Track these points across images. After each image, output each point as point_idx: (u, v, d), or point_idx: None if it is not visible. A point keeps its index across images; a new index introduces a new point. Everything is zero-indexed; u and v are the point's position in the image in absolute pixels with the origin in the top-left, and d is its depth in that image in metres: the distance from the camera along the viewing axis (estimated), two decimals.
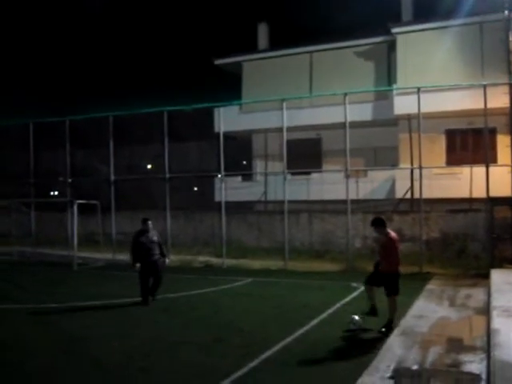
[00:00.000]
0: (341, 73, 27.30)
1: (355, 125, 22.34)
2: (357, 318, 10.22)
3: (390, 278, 10.17)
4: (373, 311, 10.53)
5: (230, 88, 32.28)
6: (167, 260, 14.33)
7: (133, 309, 12.86)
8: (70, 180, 26.39)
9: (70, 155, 26.32)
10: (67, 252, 23.41)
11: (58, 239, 27.51)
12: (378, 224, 10.39)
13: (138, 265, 13.21)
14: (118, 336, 9.96)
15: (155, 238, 13.51)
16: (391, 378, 7.41)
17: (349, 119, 20.68)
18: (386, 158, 26.50)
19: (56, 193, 40.68)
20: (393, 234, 10.38)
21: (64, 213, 25.99)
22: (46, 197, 34.03)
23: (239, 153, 32.09)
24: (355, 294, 14.72)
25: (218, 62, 31.99)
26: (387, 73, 27.73)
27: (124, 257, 24.00)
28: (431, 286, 16.17)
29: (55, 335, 10.13)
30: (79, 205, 22.31)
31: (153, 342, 9.57)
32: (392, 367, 7.88)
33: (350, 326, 10.10)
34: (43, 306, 13.17)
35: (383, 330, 9.91)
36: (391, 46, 26.98)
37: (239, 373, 7.64)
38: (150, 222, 13.63)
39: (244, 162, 33.87)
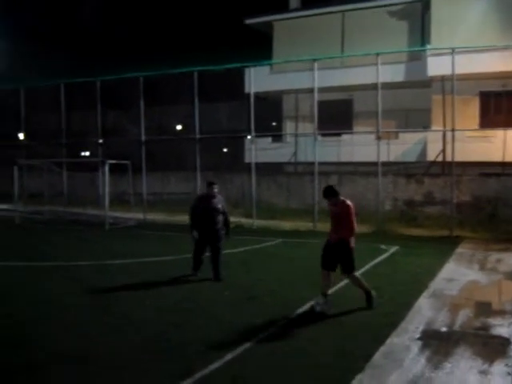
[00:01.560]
0: (373, 33, 26.84)
1: (387, 86, 22.06)
2: (322, 300, 8.93)
3: (343, 248, 8.99)
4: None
5: (260, 48, 32.01)
6: (227, 236, 11.75)
7: (164, 267, 13.01)
8: (101, 140, 26.59)
9: (101, 116, 26.48)
10: (98, 212, 23.72)
11: (90, 199, 27.87)
12: (331, 194, 9.17)
13: (195, 233, 11.42)
14: (149, 294, 10.12)
15: (219, 206, 11.41)
16: (420, 339, 7.45)
17: (381, 80, 20.40)
18: (417, 120, 26.15)
19: (87, 153, 41.08)
20: (348, 201, 9.18)
21: (95, 173, 26.27)
22: (77, 157, 34.36)
23: (269, 114, 31.95)
24: (385, 255, 14.74)
25: (248, 21, 31.68)
26: (421, 33, 27.22)
27: (154, 216, 24.33)
28: (461, 249, 16.10)
29: (88, 292, 10.31)
30: (110, 165, 22.49)
31: (185, 300, 9.70)
32: (421, 329, 7.91)
33: (316, 309, 8.81)
34: (76, 264, 13.40)
35: (369, 305, 9.08)
36: (426, 5, 26.39)
37: (267, 332, 7.74)
38: (215, 186, 11.53)
39: (274, 123, 33.74)
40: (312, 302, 9.05)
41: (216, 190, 11.52)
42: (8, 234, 20.22)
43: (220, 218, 11.38)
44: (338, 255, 9.01)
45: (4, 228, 21.78)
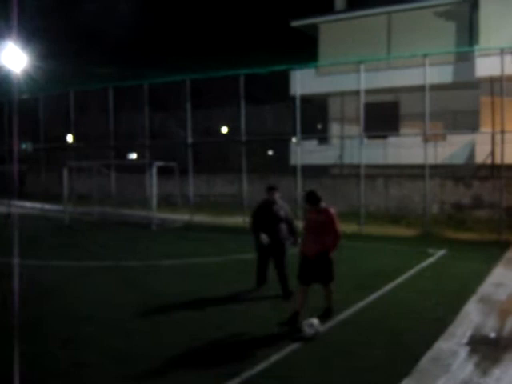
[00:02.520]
0: (420, 34, 26.54)
1: (434, 87, 21.79)
2: (316, 320, 7.78)
3: (325, 259, 8.37)
4: (293, 318, 8.21)
5: (306, 50, 31.97)
6: (296, 242, 10.03)
7: (210, 268, 13.14)
8: (148, 143, 26.96)
9: (149, 118, 26.85)
10: (146, 213, 24.03)
11: (137, 200, 28.27)
12: (314, 201, 8.51)
13: (263, 235, 9.93)
14: (194, 294, 10.25)
15: (281, 213, 10.20)
16: (468, 344, 7.38)
17: (428, 81, 20.19)
18: (465, 121, 25.76)
19: (134, 155, 41.65)
20: (331, 208, 8.52)
21: (143, 175, 26.65)
22: (124, 159, 34.89)
23: (315, 116, 31.91)
24: (431, 259, 14.56)
25: (294, 23, 31.66)
26: (469, 33, 26.80)
27: (200, 218, 24.54)
28: (511, 254, 15.81)
29: (136, 291, 10.50)
30: (158, 167, 22.79)
31: (231, 300, 9.82)
32: (469, 334, 7.84)
33: (306, 331, 7.64)
34: (125, 264, 13.63)
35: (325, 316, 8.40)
36: (473, 5, 25.98)
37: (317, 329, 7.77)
38: (276, 191, 10.34)
39: (319, 126, 33.66)
40: (356, 306, 9.04)
41: (277, 196, 10.33)
42: (58, 234, 20.65)
43: (283, 226, 10.12)
44: (319, 268, 8.35)
45: (54, 228, 22.25)
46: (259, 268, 10.44)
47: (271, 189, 10.36)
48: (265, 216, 10.14)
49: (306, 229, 8.57)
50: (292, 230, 10.22)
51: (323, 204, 8.49)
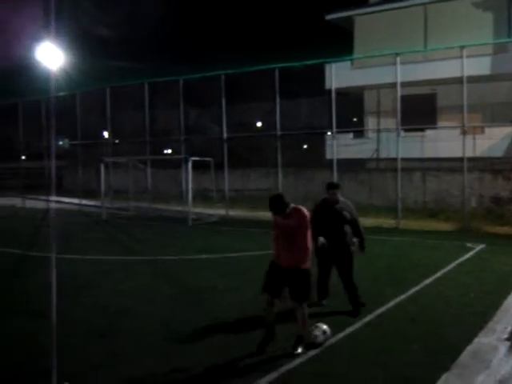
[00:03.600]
0: (457, 25, 26.14)
1: (472, 79, 21.44)
2: (325, 326, 7.23)
3: (301, 274, 6.97)
4: (270, 335, 7.05)
5: (341, 43, 31.76)
6: (361, 250, 8.99)
7: (246, 262, 13.14)
8: (183, 138, 27.09)
9: (184, 114, 26.97)
10: (182, 207, 24.17)
11: (173, 195, 28.47)
12: (279, 205, 7.07)
13: (321, 239, 8.42)
14: (232, 288, 10.26)
15: (346, 214, 8.82)
16: (508, 339, 7.26)
17: (466, 73, 19.89)
18: (504, 113, 25.32)
19: (169, 151, 41.90)
20: (304, 208, 7.17)
21: (178, 170, 26.79)
22: (160, 154, 35.11)
23: (350, 109, 31.67)
24: (470, 254, 14.37)
25: (328, 17, 31.49)
26: (507, 24, 26.33)
27: (236, 212, 24.58)
28: None
29: (174, 286, 10.56)
30: (193, 162, 22.90)
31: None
32: (509, 329, 7.71)
33: (318, 338, 7.11)
34: (161, 258, 13.73)
35: (299, 351, 6.80)
36: None
37: (352, 328, 7.73)
38: (337, 190, 8.92)
39: (355, 119, 33.42)
40: (395, 300, 8.95)
41: (339, 195, 8.91)
42: (95, 229, 20.90)
43: (347, 229, 8.81)
44: (291, 283, 7.00)
45: (92, 223, 22.53)
46: (320, 278, 8.95)
47: (332, 187, 8.97)
48: (324, 218, 8.70)
49: (276, 237, 7.26)
50: (358, 233, 8.91)
51: (292, 205, 7.10)
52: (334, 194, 8.83)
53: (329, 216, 8.73)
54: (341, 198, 8.93)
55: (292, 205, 7.10)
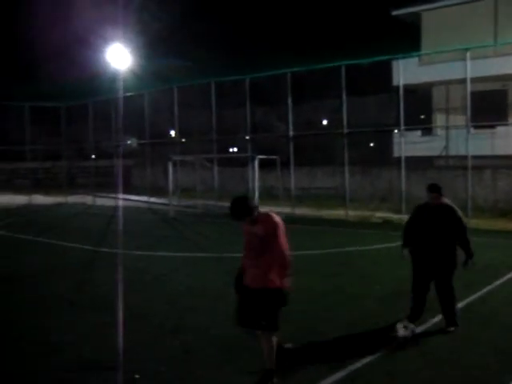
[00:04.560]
0: None
1: None
2: (411, 325, 7.24)
3: (268, 296, 5.79)
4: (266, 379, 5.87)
5: (408, 39, 31.32)
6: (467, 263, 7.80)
7: (312, 261, 13.13)
8: (249, 136, 27.23)
9: (250, 112, 27.12)
10: None
11: (239, 193, 28.62)
12: (241, 210, 5.98)
13: (405, 251, 8.03)
14: (297, 286, 10.20)
15: (447, 221, 7.69)
16: None
17: None
18: None
19: (235, 149, 42.22)
20: (275, 215, 6.02)
21: (245, 168, 26.96)
22: (227, 153, 35.46)
23: (418, 106, 31.17)
24: None
25: (395, 12, 31.05)
26: None
27: (302, 210, 24.56)
28: None
29: None
30: (259, 160, 22.99)
31: (334, 293, 9.81)
32: None
33: (400, 332, 7.12)
34: (229, 255, 13.83)
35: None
36: None
37: (422, 327, 7.62)
38: (438, 195, 7.81)
39: (422, 116, 32.89)
40: (465, 301, 8.77)
41: (441, 197, 7.83)
42: (163, 226, 21.25)
43: (446, 236, 7.68)
44: (256, 304, 5.85)
45: (160, 221, 22.93)
46: (414, 293, 7.97)
47: (433, 188, 7.89)
48: (423, 224, 7.85)
49: (244, 248, 6.15)
50: (463, 243, 7.74)
51: (260, 210, 6.05)
52: (436, 198, 7.83)
53: (426, 222, 7.84)
54: (445, 203, 7.83)
55: (261, 210, 6.02)
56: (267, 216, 5.91)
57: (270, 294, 5.72)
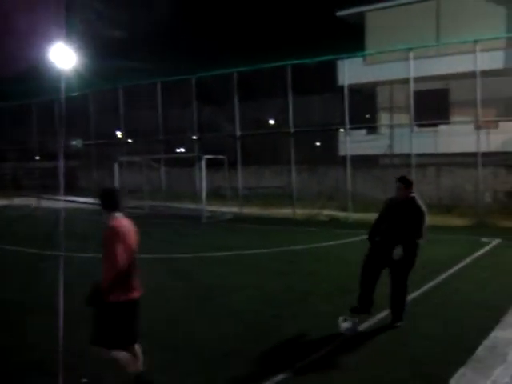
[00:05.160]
0: (469, 19, 25.95)
1: (485, 74, 21.32)
2: (352, 318, 7.41)
3: (101, 309, 5.42)
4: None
5: (353, 40, 31.67)
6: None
7: (261, 260, 13.20)
8: (197, 136, 27.14)
9: (197, 112, 27.04)
10: (196, 205, 24.23)
11: (187, 193, 28.54)
12: (108, 204, 5.61)
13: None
14: (248, 285, 10.28)
15: (407, 213, 7.72)
16: None
17: (479, 68, 19.79)
18: None
19: (182, 149, 42.01)
20: (115, 220, 5.55)
21: (192, 168, 26.86)
22: (174, 153, 35.24)
23: (363, 105, 31.58)
24: (486, 248, 14.33)
25: (340, 13, 31.42)
26: None
27: (250, 210, 24.61)
28: None
29: (190, 283, 10.61)
30: (206, 160, 22.96)
31: (281, 291, 9.84)
32: None
33: (342, 326, 7.30)
34: (177, 256, 13.77)
35: None
36: None
37: (368, 323, 7.75)
38: (403, 187, 7.88)
39: (368, 115, 33.33)
40: (410, 296, 8.93)
41: (407, 193, 7.87)
42: None
43: (400, 231, 7.65)
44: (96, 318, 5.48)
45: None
46: (360, 285, 7.99)
47: (400, 180, 7.98)
48: (386, 216, 8.01)
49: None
50: (411, 235, 7.66)
51: (113, 214, 5.58)
52: (399, 189, 7.90)
53: (388, 214, 7.97)
54: (409, 195, 7.85)
55: (114, 214, 5.58)
56: (110, 224, 5.43)
57: (103, 307, 5.38)
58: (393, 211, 7.89)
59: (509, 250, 14.02)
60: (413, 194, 7.86)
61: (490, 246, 14.81)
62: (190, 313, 8.52)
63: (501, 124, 25.25)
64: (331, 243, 15.66)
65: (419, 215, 7.69)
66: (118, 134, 33.95)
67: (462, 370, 5.99)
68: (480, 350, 6.60)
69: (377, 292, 7.87)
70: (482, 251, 13.91)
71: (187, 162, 29.93)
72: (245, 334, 7.39)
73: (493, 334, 7.16)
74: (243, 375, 6.04)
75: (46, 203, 30.31)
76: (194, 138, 27.33)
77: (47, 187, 32.60)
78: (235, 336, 7.31)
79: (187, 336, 7.36)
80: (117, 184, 25.01)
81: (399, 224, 7.67)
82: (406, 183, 7.85)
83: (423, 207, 7.80)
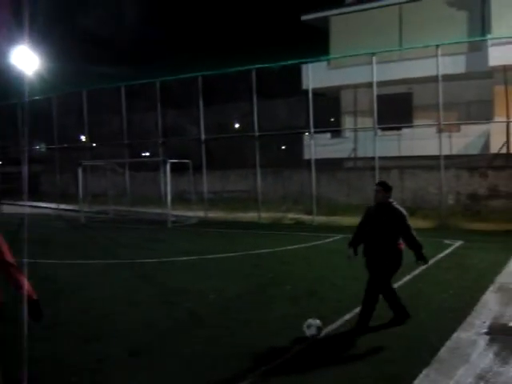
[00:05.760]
0: (431, 24, 26.31)
1: (448, 78, 21.61)
2: (314, 321, 7.26)
3: None
4: None
5: (317, 44, 31.88)
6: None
7: (226, 264, 13.17)
8: (161, 140, 27.00)
9: (161, 116, 26.90)
10: (161, 210, 24.11)
11: (152, 198, 28.38)
12: None
13: (350, 250, 8.13)
14: (213, 289, 10.25)
15: (385, 218, 7.79)
16: (487, 333, 7.33)
17: (441, 72, 20.05)
18: (480, 111, 25.55)
19: (147, 153, 41.76)
20: None
21: (157, 172, 26.74)
22: (138, 157, 35.02)
23: (327, 109, 31.78)
24: (448, 250, 14.52)
25: (304, 17, 31.57)
26: (481, 22, 26.53)
27: (215, 214, 24.57)
28: None
29: (155, 288, 10.53)
30: (171, 164, 22.86)
31: (247, 295, 9.82)
32: (488, 323, 7.78)
33: (307, 332, 7.19)
34: (141, 261, 13.67)
35: None
36: None
37: (333, 326, 7.75)
38: (381, 191, 7.95)
39: (332, 119, 33.55)
40: None
41: (391, 199, 7.99)
42: (74, 233, 20.78)
43: (386, 237, 7.77)
44: None
45: (70, 228, 22.40)
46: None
47: (378, 184, 8.21)
48: (367, 223, 8.06)
49: None
50: (409, 242, 7.92)
51: None
52: (376, 194, 7.99)
53: (369, 220, 8.06)
54: (387, 201, 7.93)
55: None
56: None
57: None
58: (373, 217, 7.97)
59: (470, 252, 14.23)
60: (390, 199, 7.97)
61: (453, 247, 15.02)
62: (155, 318, 8.44)
63: (463, 127, 25.65)
64: (296, 246, 15.70)
65: (400, 218, 7.81)
66: (82, 138, 33.63)
67: (425, 371, 6.04)
68: (443, 351, 6.66)
69: (344, 294, 7.92)
70: (444, 253, 14.09)
71: (152, 167, 29.78)
72: (210, 338, 7.36)
73: (455, 335, 7.24)
74: (209, 381, 6.01)
75: (8, 209, 29.85)
76: (159, 142, 27.16)
77: (10, 192, 32.11)
78: (201, 340, 7.27)
79: (153, 341, 7.29)
80: (80, 189, 24.74)
81: (379, 229, 7.79)
82: (385, 187, 7.96)
83: (403, 210, 7.91)
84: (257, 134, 23.75)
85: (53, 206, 29.72)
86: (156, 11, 73.14)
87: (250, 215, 23.45)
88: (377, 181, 7.92)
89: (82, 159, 27.14)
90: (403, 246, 7.92)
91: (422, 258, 7.94)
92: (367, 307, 7.76)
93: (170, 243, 17.43)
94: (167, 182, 22.45)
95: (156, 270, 12.57)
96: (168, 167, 22.48)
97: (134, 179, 29.12)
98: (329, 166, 26.29)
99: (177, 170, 25.36)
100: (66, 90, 31.41)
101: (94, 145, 32.40)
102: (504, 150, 23.67)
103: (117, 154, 29.63)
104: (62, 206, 29.01)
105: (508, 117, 22.44)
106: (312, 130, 22.86)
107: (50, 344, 7.17)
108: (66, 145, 31.60)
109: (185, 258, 13.95)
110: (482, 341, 7.02)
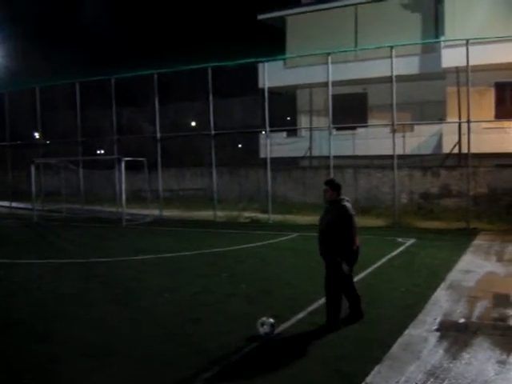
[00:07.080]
0: (386, 25, 26.66)
1: (402, 78, 21.89)
2: (268, 320, 7.27)
3: None
4: None
5: (273, 43, 31.98)
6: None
7: (181, 263, 13.12)
8: (116, 138, 26.72)
9: (116, 113, 26.61)
10: (115, 209, 23.88)
11: (106, 196, 28.08)
12: None
13: (344, 265, 7.70)
14: (168, 288, 10.19)
15: (329, 217, 7.86)
16: (437, 330, 7.46)
17: (395, 73, 20.29)
18: (433, 112, 25.96)
19: (102, 151, 41.31)
20: None
21: (111, 170, 26.46)
22: (93, 155, 34.58)
23: (283, 108, 31.91)
24: (401, 248, 14.72)
25: (261, 16, 31.60)
26: (434, 25, 27.00)
27: (170, 212, 24.44)
28: (478, 241, 16.04)
29: (108, 288, 10.42)
30: (126, 162, 22.64)
31: (202, 294, 9.78)
32: (438, 320, 7.92)
33: (260, 330, 7.20)
34: (95, 260, 13.52)
35: None
36: None
37: (287, 324, 7.79)
38: (329, 189, 7.88)
39: (288, 118, 33.70)
40: None
41: (334, 194, 7.85)
42: (26, 232, 20.42)
43: (331, 234, 7.75)
44: None
45: (23, 226, 22.00)
46: (334, 296, 7.79)
47: (326, 182, 8.00)
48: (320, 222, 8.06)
49: None
50: (343, 241, 7.76)
51: None
52: (325, 192, 7.89)
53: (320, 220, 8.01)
54: (337, 199, 7.84)
55: None
56: None
57: None
58: (321, 216, 7.97)
59: (422, 250, 14.45)
60: (341, 197, 7.86)
61: (405, 245, 15.23)
62: (109, 318, 8.36)
63: (416, 127, 26.06)
64: (252, 245, 15.73)
65: (344, 217, 7.72)
66: (36, 135, 33.05)
67: (377, 368, 6.11)
68: (395, 348, 6.75)
69: (299, 293, 7.95)
70: (397, 251, 14.29)
71: (107, 165, 29.43)
72: (165, 337, 7.31)
73: (407, 332, 7.35)
74: (163, 381, 5.98)
75: None
76: (114, 139, 26.86)
77: None
78: (155, 340, 7.23)
79: (107, 341, 7.22)
80: (33, 187, 24.33)
81: (324, 227, 7.80)
82: (332, 185, 7.85)
83: (350, 210, 7.79)
84: (213, 132, 23.69)
85: (5, 204, 29.14)
86: (112, 8, 72.37)
87: (206, 213, 23.39)
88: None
89: (35, 157, 26.66)
90: (358, 242, 8.00)
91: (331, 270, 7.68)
92: (330, 303, 7.72)
93: (125, 242, 17.27)
94: (122, 181, 22.22)
95: (110, 270, 12.44)
96: (123, 165, 22.25)
97: (89, 177, 28.74)
98: (284, 164, 26.43)
99: (132, 168, 25.13)
100: (19, 87, 30.83)
101: (48, 142, 31.88)
102: (456, 150, 24.10)
103: (71, 151, 29.19)
104: (14, 205, 28.47)
105: (460, 117, 22.84)
106: (268, 129, 22.91)
107: (3, 344, 7.05)
108: (18, 142, 30.99)
109: (140, 257, 13.84)
110: (433, 337, 7.15)
